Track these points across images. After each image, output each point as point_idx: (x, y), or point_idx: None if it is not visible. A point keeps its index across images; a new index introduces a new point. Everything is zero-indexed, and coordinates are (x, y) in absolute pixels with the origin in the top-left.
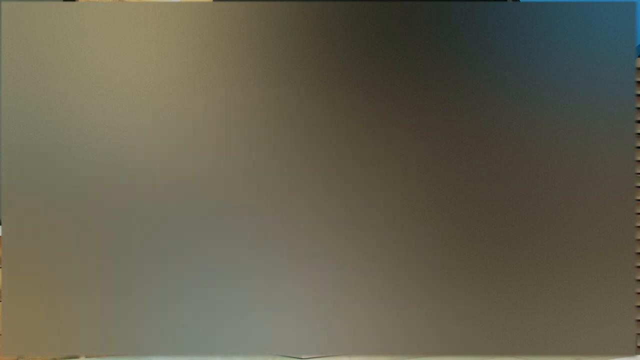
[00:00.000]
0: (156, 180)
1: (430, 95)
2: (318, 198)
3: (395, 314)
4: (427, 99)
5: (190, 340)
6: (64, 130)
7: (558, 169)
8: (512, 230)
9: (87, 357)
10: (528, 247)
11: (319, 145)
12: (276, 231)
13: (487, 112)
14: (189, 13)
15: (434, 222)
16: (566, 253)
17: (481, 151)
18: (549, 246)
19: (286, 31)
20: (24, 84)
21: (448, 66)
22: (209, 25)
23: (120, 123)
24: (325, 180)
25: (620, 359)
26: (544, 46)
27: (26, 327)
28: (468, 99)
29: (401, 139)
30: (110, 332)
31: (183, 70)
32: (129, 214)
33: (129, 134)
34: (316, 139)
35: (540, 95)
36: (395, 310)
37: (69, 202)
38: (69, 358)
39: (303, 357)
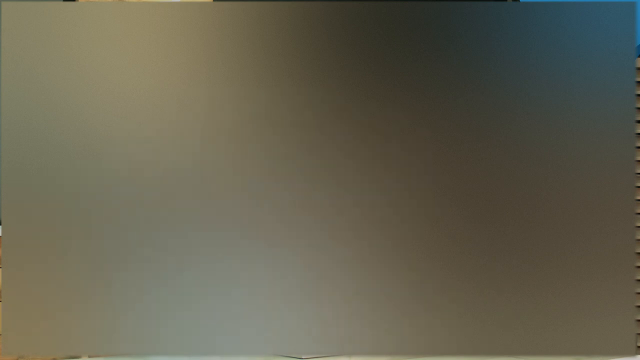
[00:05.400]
0: (157, 180)
1: (430, 95)
2: (318, 197)
3: (395, 314)
4: (427, 99)
5: (190, 340)
6: (64, 130)
7: (558, 169)
8: (512, 230)
9: (87, 357)
10: (528, 247)
11: (318, 144)
12: (277, 231)
13: (487, 112)
14: (189, 13)
15: (433, 221)
16: (566, 253)
17: (481, 151)
18: (549, 246)
19: (286, 31)
20: (24, 84)
21: (448, 66)
22: (209, 25)
23: (120, 123)
24: (326, 180)
25: (620, 359)
26: (544, 46)
27: (26, 327)
28: (468, 99)
29: (401, 139)
30: (110, 332)
31: (183, 71)
32: (129, 213)
33: (129, 134)
34: (316, 138)
35: (540, 95)
36: (395, 310)
37: (69, 202)
38: (69, 358)
39: (303, 357)
